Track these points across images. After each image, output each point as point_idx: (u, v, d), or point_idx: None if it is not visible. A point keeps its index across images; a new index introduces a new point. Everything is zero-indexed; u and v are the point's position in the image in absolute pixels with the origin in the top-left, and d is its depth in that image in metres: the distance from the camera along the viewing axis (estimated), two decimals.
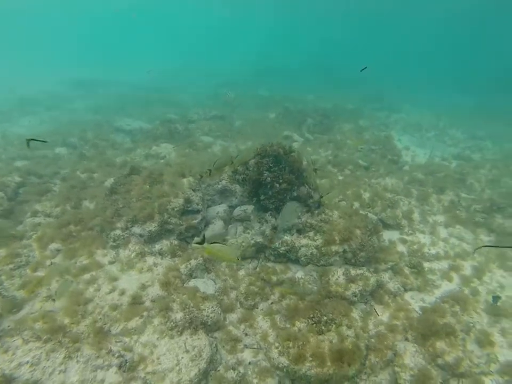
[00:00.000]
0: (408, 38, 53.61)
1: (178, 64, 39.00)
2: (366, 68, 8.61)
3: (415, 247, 6.63)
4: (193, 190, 6.55)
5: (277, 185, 5.90)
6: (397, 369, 4.01)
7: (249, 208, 6.74)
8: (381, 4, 47.00)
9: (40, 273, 5.53)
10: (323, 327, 4.24)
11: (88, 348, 4.19)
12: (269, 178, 5.86)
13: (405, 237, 7.01)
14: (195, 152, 10.69)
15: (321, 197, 6.41)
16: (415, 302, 5.46)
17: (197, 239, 5.48)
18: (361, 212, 6.70)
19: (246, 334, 4.74)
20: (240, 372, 4.17)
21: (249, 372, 4.21)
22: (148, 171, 6.94)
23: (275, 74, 29.86)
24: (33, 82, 25.53)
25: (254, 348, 4.57)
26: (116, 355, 4.13)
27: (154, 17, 63.11)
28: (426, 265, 6.24)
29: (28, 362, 3.78)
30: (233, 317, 5.02)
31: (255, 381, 4.12)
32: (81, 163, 10.13)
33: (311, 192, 6.37)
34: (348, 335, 4.24)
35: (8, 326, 4.30)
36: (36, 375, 3.71)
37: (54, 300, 4.90)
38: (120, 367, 4.04)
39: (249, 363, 4.29)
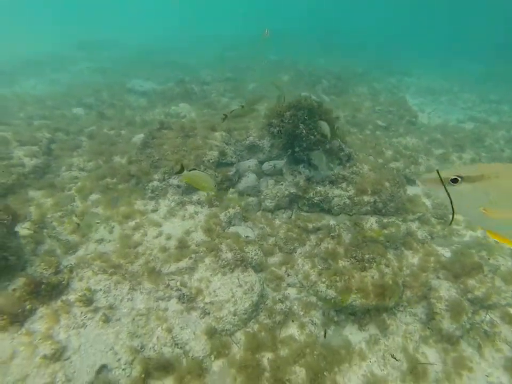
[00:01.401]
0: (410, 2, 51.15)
1: (180, 27, 37.52)
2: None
3: (438, 200, 6.88)
4: (226, 144, 6.69)
5: (312, 137, 6.03)
6: (433, 300, 4.38)
7: (279, 162, 6.94)
8: None
9: (87, 219, 5.80)
10: (366, 264, 4.56)
11: (147, 283, 4.54)
12: (304, 131, 5.98)
13: (428, 192, 7.24)
14: (214, 112, 10.68)
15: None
16: (442, 249, 5.79)
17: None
18: (389, 165, 6.89)
19: (288, 275, 5.09)
20: (287, 305, 4.54)
21: (295, 306, 4.58)
22: (179, 125, 7.04)
23: (278, 38, 28.77)
24: (35, 44, 24.66)
25: (297, 286, 4.94)
26: (174, 289, 4.48)
27: None
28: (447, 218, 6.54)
29: (101, 289, 4.13)
30: (274, 260, 5.36)
31: (301, 312, 4.50)
32: (101, 122, 10.15)
33: (342, 145, 6.53)
34: (386, 272, 4.57)
35: (72, 263, 4.61)
36: (110, 301, 4.07)
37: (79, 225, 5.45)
38: (179, 298, 4.40)
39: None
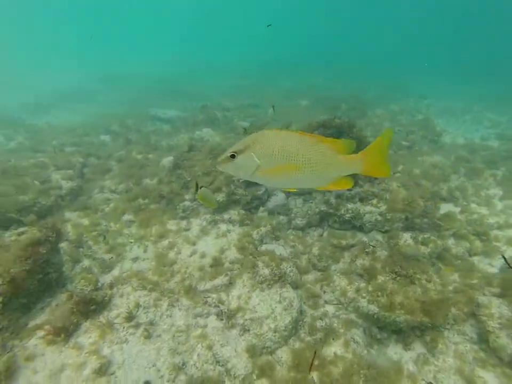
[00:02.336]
0: (422, 24, 52.48)
1: (190, 54, 39.43)
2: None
3: (474, 216, 6.71)
4: None
5: None
6: (483, 318, 4.17)
7: None
8: None
9: (120, 240, 5.91)
10: (407, 280, 4.43)
11: (185, 300, 4.52)
12: None
13: (461, 208, 7.08)
14: (237, 136, 10.95)
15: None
16: (483, 265, 5.58)
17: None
18: (419, 182, 6.83)
19: (324, 292, 4.98)
20: (326, 322, 4.41)
21: (335, 323, 4.44)
22: (208, 147, 7.24)
23: (286, 65, 29.78)
24: (60, 78, 26.27)
25: (334, 304, 4.81)
26: (213, 305, 4.44)
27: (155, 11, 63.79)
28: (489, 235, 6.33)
29: (140, 305, 4.12)
30: (309, 277, 5.27)
31: (341, 330, 4.35)
32: (128, 147, 10.54)
33: None
34: (429, 288, 4.41)
35: (111, 280, 4.66)
36: (150, 316, 4.05)
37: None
38: (217, 315, 4.34)
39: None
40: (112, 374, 3.41)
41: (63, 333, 3.56)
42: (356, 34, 50.35)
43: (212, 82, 24.25)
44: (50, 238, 4.43)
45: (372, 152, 1.98)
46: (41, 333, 3.61)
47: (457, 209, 7.02)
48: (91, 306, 3.90)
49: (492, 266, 5.52)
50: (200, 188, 4.45)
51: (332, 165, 1.93)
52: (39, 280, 4.16)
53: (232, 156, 1.93)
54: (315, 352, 3.04)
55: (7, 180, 6.68)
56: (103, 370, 3.36)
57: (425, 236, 5.67)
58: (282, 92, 20.27)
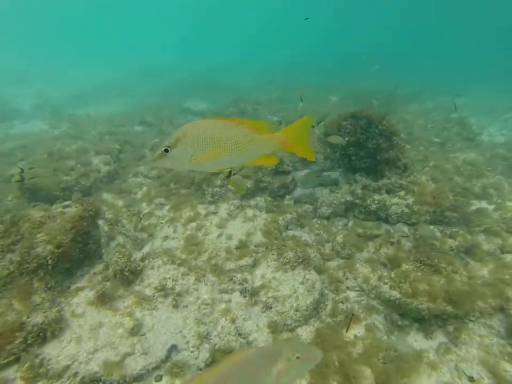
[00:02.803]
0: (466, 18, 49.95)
1: (230, 54, 39.95)
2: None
3: (509, 214, 6.46)
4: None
5: (370, 145, 6.08)
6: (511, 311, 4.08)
7: (333, 174, 7.01)
8: None
9: (152, 220, 6.25)
10: (432, 269, 4.40)
11: (211, 276, 4.75)
12: (362, 140, 6.06)
13: (495, 205, 6.83)
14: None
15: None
16: None
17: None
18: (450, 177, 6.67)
19: (347, 278, 5.04)
20: (347, 306, 4.48)
21: (356, 307, 4.50)
22: None
23: (320, 62, 29.43)
24: (100, 72, 27.59)
25: (356, 290, 4.86)
26: (237, 283, 4.64)
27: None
28: None
29: (169, 278, 4.39)
30: (332, 263, 5.34)
31: (362, 315, 4.40)
32: (161, 137, 10.99)
33: (399, 155, 6.48)
34: (455, 279, 4.36)
35: (144, 253, 4.98)
36: (177, 288, 4.31)
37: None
38: (241, 292, 4.53)
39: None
40: (142, 335, 3.69)
41: (101, 295, 3.88)
42: (409, 32, 48.75)
43: (244, 76, 24.55)
44: (90, 213, 4.80)
45: (289, 131, 2.20)
46: (82, 294, 3.96)
47: (491, 207, 6.77)
48: (126, 274, 4.20)
49: None
50: (233, 174, 4.72)
51: (254, 144, 2.13)
52: (80, 249, 4.52)
53: (166, 151, 2.05)
54: (353, 314, 3.13)
55: (53, 162, 7.24)
56: (135, 330, 3.65)
57: (453, 229, 5.56)
58: (312, 87, 20.15)
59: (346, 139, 5.89)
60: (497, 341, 3.99)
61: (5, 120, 13.56)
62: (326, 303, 4.58)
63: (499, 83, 21.17)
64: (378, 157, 6.18)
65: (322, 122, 6.77)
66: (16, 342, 3.21)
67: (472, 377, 3.27)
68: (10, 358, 3.17)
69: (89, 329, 3.58)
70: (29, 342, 3.29)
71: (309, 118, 2.26)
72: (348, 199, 6.23)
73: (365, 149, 6.12)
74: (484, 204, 6.90)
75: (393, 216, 5.99)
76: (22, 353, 3.23)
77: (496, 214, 6.51)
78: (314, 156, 2.41)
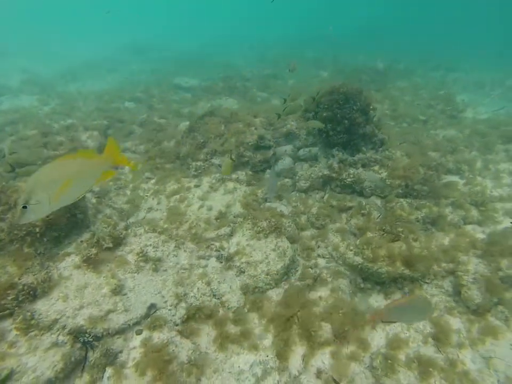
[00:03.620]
0: None
1: (221, 32, 38.87)
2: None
3: (476, 188, 6.80)
4: (265, 129, 7.15)
5: (346, 121, 6.31)
6: (459, 273, 4.49)
7: (314, 149, 7.26)
8: None
9: (138, 192, 6.55)
10: (393, 236, 4.78)
11: (190, 244, 5.11)
12: (339, 115, 6.28)
13: (465, 180, 7.17)
14: (255, 105, 11.22)
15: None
16: (475, 233, 5.78)
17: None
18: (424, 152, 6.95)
19: (319, 246, 5.42)
20: (316, 271, 4.88)
21: (324, 273, 4.90)
22: (224, 111, 7.63)
23: (317, 37, 28.82)
24: (92, 49, 26.98)
25: (326, 257, 5.26)
26: (214, 249, 5.02)
27: None
28: (487, 205, 6.44)
29: (150, 245, 4.75)
30: (306, 233, 5.71)
31: (329, 279, 4.81)
32: (150, 113, 11.09)
33: (376, 131, 6.72)
34: (414, 246, 4.75)
35: (126, 223, 5.32)
36: (158, 254, 4.68)
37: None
38: (218, 258, 4.92)
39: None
40: (124, 294, 4.08)
41: (86, 259, 4.24)
42: (399, 5, 47.32)
43: (236, 53, 24.15)
44: None
45: (105, 153, 2.70)
46: (69, 259, 4.32)
47: (462, 181, 7.11)
48: (110, 241, 4.54)
49: (484, 234, 5.72)
50: (231, 158, 5.78)
51: (91, 167, 2.57)
52: (68, 218, 4.83)
53: (24, 207, 2.22)
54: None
55: (44, 138, 7.43)
56: (117, 290, 4.03)
57: (421, 202, 5.91)
58: (306, 62, 19.93)
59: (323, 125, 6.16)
60: (445, 298, 4.43)
61: None
62: (296, 269, 4.98)
63: (491, 59, 21.03)
64: (355, 132, 6.42)
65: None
66: (9, 298, 3.57)
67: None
68: (5, 312, 3.55)
69: (75, 289, 3.95)
70: (20, 299, 3.66)
71: (110, 140, 2.78)
72: (325, 173, 6.53)
73: (341, 125, 6.35)
74: (455, 179, 7.24)
75: (367, 189, 6.32)
76: (15, 308, 3.61)
77: (466, 188, 6.86)
78: (128, 162, 2.94)
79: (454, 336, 3.96)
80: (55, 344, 3.43)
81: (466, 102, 12.70)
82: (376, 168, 6.37)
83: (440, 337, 3.93)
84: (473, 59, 20.88)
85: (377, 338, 4.07)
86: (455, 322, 4.11)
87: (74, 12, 49.98)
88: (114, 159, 2.76)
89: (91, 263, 4.32)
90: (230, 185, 6.44)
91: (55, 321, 3.61)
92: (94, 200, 6.11)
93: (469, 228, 5.85)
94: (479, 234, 5.63)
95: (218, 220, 5.68)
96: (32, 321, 3.50)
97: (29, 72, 17.30)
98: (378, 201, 6.20)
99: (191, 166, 6.90)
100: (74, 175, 2.40)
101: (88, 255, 4.31)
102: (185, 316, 4.09)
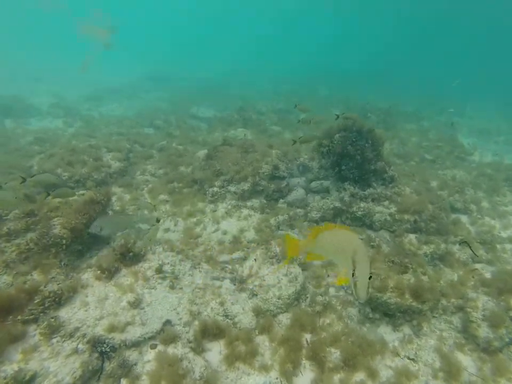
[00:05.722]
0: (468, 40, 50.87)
1: (239, 65, 40.97)
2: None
3: (484, 228, 6.97)
4: (280, 160, 7.53)
5: (358, 157, 6.65)
6: (468, 309, 4.57)
7: (326, 182, 7.57)
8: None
9: (155, 214, 6.82)
10: (402, 268, 4.92)
11: (205, 265, 5.30)
12: (351, 151, 6.64)
13: (473, 219, 7.34)
14: (269, 138, 11.73)
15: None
16: (485, 273, 5.87)
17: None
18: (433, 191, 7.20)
19: (328, 275, 5.55)
20: (326, 299, 4.99)
21: (333, 301, 5.01)
22: (241, 142, 8.06)
23: (331, 76, 30.26)
24: (114, 76, 28.54)
25: (336, 286, 5.37)
26: (228, 271, 5.19)
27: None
28: (497, 245, 6.57)
29: (168, 263, 4.95)
30: (317, 262, 5.86)
31: (338, 307, 4.91)
32: (169, 139, 11.64)
33: (386, 167, 7.04)
34: (423, 279, 4.87)
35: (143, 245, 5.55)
36: (175, 272, 4.86)
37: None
38: (231, 280, 5.07)
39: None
40: (142, 308, 4.23)
41: (108, 272, 4.45)
42: (412, 51, 49.67)
43: (251, 86, 25.37)
44: (102, 201, 5.40)
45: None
46: (91, 271, 4.53)
47: (469, 220, 7.29)
48: (129, 254, 4.76)
49: (491, 274, 5.80)
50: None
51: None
52: (91, 233, 5.10)
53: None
54: None
55: (71, 156, 7.88)
56: (135, 304, 4.19)
57: (430, 237, 6.08)
58: (318, 100, 20.84)
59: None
60: (454, 334, 4.48)
61: (23, 116, 14.32)
62: (307, 295, 5.10)
63: (496, 105, 21.78)
64: (366, 168, 6.74)
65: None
66: (35, 302, 3.76)
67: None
68: (30, 317, 3.73)
69: (96, 300, 4.13)
70: (46, 305, 3.84)
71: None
72: (337, 205, 6.78)
73: (353, 160, 6.69)
74: (463, 218, 7.42)
75: (377, 223, 6.53)
76: (40, 314, 3.79)
77: (473, 227, 7.03)
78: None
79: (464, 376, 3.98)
80: (75, 352, 3.56)
81: (473, 145, 13.11)
82: (386, 203, 6.60)
83: (450, 373, 3.96)
84: (479, 106, 21.65)
85: (385, 369, 4.10)
86: (465, 359, 4.15)
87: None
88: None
89: (112, 276, 4.51)
90: (245, 212, 6.70)
91: (77, 329, 3.76)
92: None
93: (477, 266, 5.95)
94: (489, 274, 5.73)
95: (232, 244, 5.88)
96: (56, 328, 3.66)
97: (56, 96, 18.34)
98: (387, 235, 6.38)
99: (207, 192, 7.21)
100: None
101: (109, 268, 4.52)
102: (198, 334, 4.20)
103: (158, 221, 4.88)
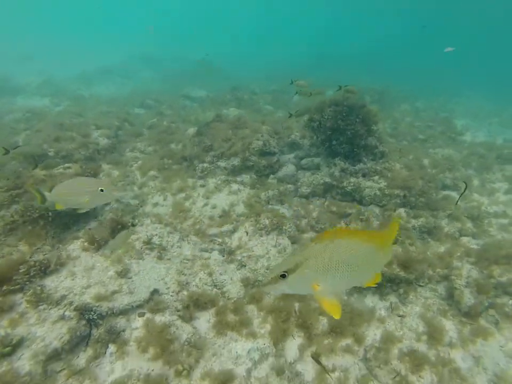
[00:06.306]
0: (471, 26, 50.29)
1: (234, 48, 40.14)
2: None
3: (473, 203, 7.04)
4: (271, 136, 7.45)
5: (348, 132, 6.61)
6: (453, 277, 4.65)
7: (316, 159, 7.53)
8: None
9: (145, 189, 6.77)
10: None
11: (194, 237, 5.29)
12: (342, 126, 6.58)
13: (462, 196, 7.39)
14: (262, 116, 11.59)
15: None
16: (471, 245, 5.95)
17: None
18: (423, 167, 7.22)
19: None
20: None
21: None
22: (233, 118, 7.95)
23: (328, 60, 29.79)
24: (106, 56, 27.77)
25: None
26: (217, 243, 5.19)
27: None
28: (483, 220, 6.65)
29: (156, 235, 4.93)
30: (306, 236, 5.89)
31: None
32: (160, 117, 11.45)
33: (377, 143, 7.02)
34: (410, 250, 4.93)
35: (133, 214, 5.51)
36: (163, 244, 4.85)
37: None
38: (220, 252, 5.09)
39: None
40: (129, 278, 4.23)
41: (96, 244, 4.42)
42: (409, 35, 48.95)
43: (244, 69, 24.93)
44: (88, 175, 5.31)
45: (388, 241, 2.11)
46: (78, 242, 4.49)
47: (458, 196, 7.33)
48: (117, 226, 4.73)
49: (478, 246, 5.89)
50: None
51: (372, 265, 2.01)
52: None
53: (283, 276, 1.87)
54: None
55: (60, 132, 7.72)
56: (123, 273, 4.19)
57: (418, 212, 6.12)
58: (313, 81, 20.49)
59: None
60: (438, 301, 4.57)
61: (9, 95, 13.94)
62: None
63: (491, 90, 21.73)
64: (357, 143, 6.71)
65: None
66: (20, 271, 3.73)
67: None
68: (16, 286, 3.70)
69: (83, 270, 4.11)
70: (31, 274, 3.81)
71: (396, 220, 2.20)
72: (327, 180, 6.77)
73: (344, 135, 6.65)
74: (453, 194, 7.47)
75: (366, 198, 6.54)
76: (26, 283, 3.77)
77: (462, 203, 7.08)
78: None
79: (446, 338, 4.08)
80: (62, 318, 3.56)
81: (466, 126, 13.13)
82: (375, 178, 6.61)
83: (432, 336, 4.06)
84: (475, 87, 21.58)
85: (372, 334, 4.19)
86: (447, 324, 4.24)
87: (91, 20, 51.57)
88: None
89: (99, 247, 4.49)
90: (235, 186, 6.67)
91: (63, 297, 3.75)
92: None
93: (465, 239, 6.03)
94: (474, 246, 5.81)
95: (221, 218, 5.87)
96: (42, 295, 3.64)
97: (45, 75, 17.84)
98: (377, 210, 6.41)
99: (197, 168, 7.14)
100: (351, 269, 1.91)
101: (96, 239, 4.49)
102: (187, 303, 4.22)
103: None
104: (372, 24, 55.31)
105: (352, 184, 6.55)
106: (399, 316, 4.32)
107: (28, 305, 3.59)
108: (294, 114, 6.35)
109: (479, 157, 9.49)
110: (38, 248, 4.33)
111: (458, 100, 18.60)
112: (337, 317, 1.84)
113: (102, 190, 2.77)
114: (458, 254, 5.32)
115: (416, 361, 3.67)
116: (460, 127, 12.73)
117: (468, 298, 4.36)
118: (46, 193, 3.22)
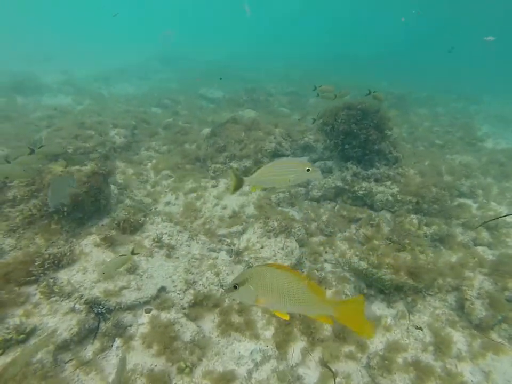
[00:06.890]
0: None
1: (250, 47, 40.31)
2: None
3: (490, 213, 6.83)
4: (283, 138, 7.46)
5: (362, 136, 6.55)
6: (464, 288, 4.54)
7: (329, 162, 7.50)
8: None
9: (158, 188, 6.90)
10: (400, 246, 4.89)
11: (203, 237, 5.36)
12: (355, 130, 6.53)
13: (479, 204, 7.20)
14: (276, 118, 11.61)
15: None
16: (486, 255, 5.78)
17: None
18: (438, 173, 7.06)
19: (326, 252, 5.57)
20: (322, 274, 5.02)
21: (329, 276, 5.03)
22: (247, 120, 8.01)
23: (345, 61, 29.52)
24: (125, 56, 28.46)
25: (333, 263, 5.39)
26: (225, 243, 5.25)
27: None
28: (500, 230, 6.45)
29: (166, 233, 5.03)
30: (314, 239, 5.87)
31: (334, 283, 4.94)
32: (175, 118, 11.64)
33: (391, 148, 6.92)
34: (421, 258, 4.84)
35: (145, 213, 5.63)
36: (171, 242, 4.94)
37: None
38: (228, 252, 5.14)
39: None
40: (138, 274, 4.33)
41: (107, 240, 4.55)
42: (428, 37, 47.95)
43: (261, 68, 25.02)
44: (103, 172, 5.47)
45: (340, 306, 2.16)
46: (90, 238, 4.64)
47: (475, 205, 7.15)
48: (128, 226, 4.86)
49: (494, 257, 5.72)
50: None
51: (308, 303, 2.17)
52: (92, 202, 5.20)
53: (235, 287, 2.20)
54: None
55: (79, 130, 7.98)
56: (132, 270, 4.29)
57: (431, 219, 6.00)
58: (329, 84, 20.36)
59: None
60: (448, 311, 4.47)
61: (35, 93, 14.50)
62: (303, 270, 5.13)
63: None
64: (370, 148, 6.64)
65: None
66: (36, 264, 3.89)
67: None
68: (32, 278, 3.86)
69: (94, 264, 4.24)
70: (46, 266, 3.97)
71: (360, 299, 2.22)
72: (338, 184, 6.72)
73: (357, 139, 6.59)
74: (468, 202, 7.28)
75: (378, 203, 6.46)
76: (41, 275, 3.92)
77: (478, 212, 6.89)
78: (372, 333, 2.43)
79: (454, 350, 3.99)
80: (72, 310, 3.69)
81: (487, 133, 12.73)
82: (388, 183, 6.52)
83: (440, 347, 3.98)
84: (497, 92, 20.91)
85: (377, 342, 4.14)
86: (457, 336, 4.14)
87: (108, 26, 52.98)
88: (344, 320, 2.18)
89: (110, 243, 4.62)
90: (245, 188, 6.70)
91: (74, 290, 3.88)
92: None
93: (479, 249, 5.87)
94: (490, 257, 5.65)
95: (231, 219, 5.92)
96: (55, 287, 3.79)
97: (67, 75, 18.46)
98: (388, 216, 6.32)
99: (209, 168, 7.23)
100: (286, 295, 2.14)
101: (108, 235, 4.62)
102: (193, 301, 4.29)
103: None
104: (390, 24, 54.42)
105: (363, 188, 6.48)
106: (417, 328, 4.23)
107: (42, 296, 3.74)
108: (317, 117, 6.38)
109: (499, 164, 9.20)
110: (53, 242, 4.49)
111: (478, 106, 18.04)
112: (287, 318, 2.20)
113: (308, 170, 2.88)
114: (471, 264, 5.19)
115: (421, 372, 3.61)
116: (481, 133, 12.35)
117: (479, 310, 4.24)
118: (245, 178, 3.22)
